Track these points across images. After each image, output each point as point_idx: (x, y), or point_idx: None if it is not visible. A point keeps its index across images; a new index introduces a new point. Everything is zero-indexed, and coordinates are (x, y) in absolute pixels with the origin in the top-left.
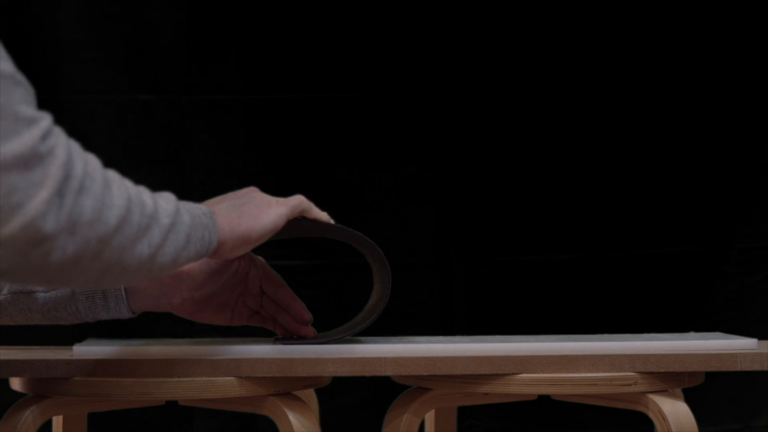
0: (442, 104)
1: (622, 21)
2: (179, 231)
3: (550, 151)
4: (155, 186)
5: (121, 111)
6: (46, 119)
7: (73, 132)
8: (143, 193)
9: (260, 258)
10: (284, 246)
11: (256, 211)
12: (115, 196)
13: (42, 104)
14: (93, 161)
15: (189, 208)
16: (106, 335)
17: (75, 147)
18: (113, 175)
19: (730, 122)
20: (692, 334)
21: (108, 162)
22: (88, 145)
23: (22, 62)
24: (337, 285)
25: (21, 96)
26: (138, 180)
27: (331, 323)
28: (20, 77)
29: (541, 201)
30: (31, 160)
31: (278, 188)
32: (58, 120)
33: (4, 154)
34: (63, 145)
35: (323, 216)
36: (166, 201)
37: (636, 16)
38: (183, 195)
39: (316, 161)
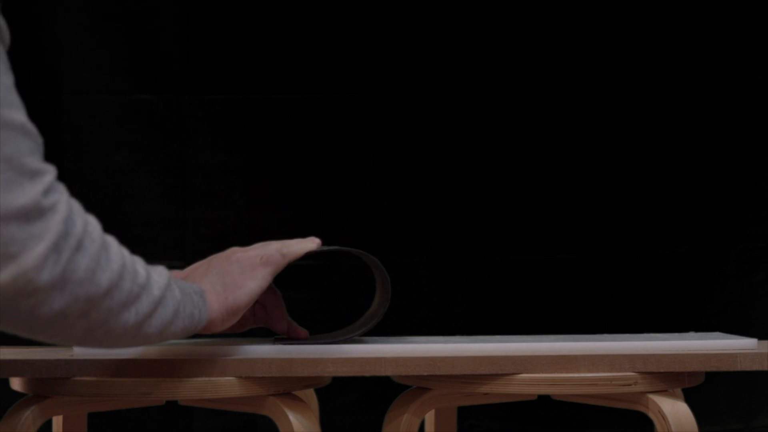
0: (442, 104)
1: (621, 21)
2: (168, 305)
3: (550, 151)
4: (155, 186)
5: (121, 111)
6: (50, 173)
7: (73, 132)
8: (138, 263)
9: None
10: None
11: (240, 280)
12: (110, 260)
13: (42, 104)
14: (93, 223)
15: (181, 285)
16: None
17: (76, 206)
18: (112, 240)
19: (730, 122)
20: (692, 334)
21: (108, 162)
22: (89, 145)
23: (22, 62)
24: (337, 285)
25: (28, 148)
26: (138, 180)
27: (331, 323)
28: (30, 128)
29: (541, 201)
30: (32, 213)
31: (278, 188)
32: (59, 120)
33: (6, 206)
34: (65, 201)
35: (310, 246)
36: (159, 275)
37: (636, 16)
38: (183, 195)
39: (316, 161)
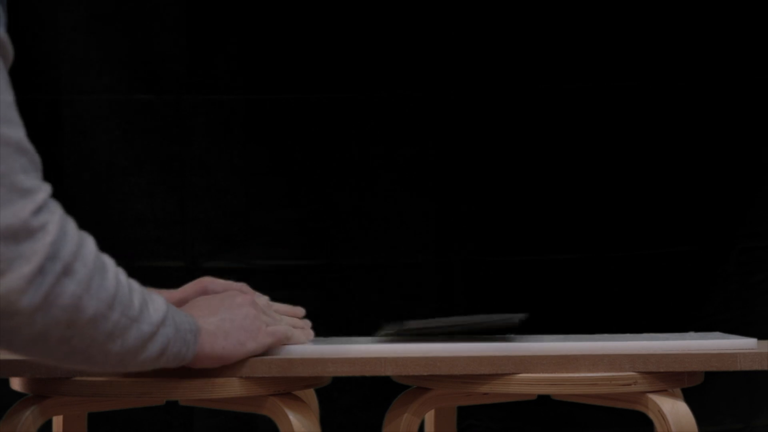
0: (443, 104)
1: (621, 21)
2: (157, 342)
3: (550, 151)
4: (155, 186)
5: (121, 111)
6: (42, 192)
7: (73, 132)
8: (135, 292)
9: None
10: (284, 246)
11: (243, 337)
12: (102, 287)
13: (42, 104)
14: (89, 245)
15: (178, 320)
16: None
17: (71, 226)
18: (110, 264)
19: (730, 122)
20: (692, 334)
21: (108, 162)
22: (88, 145)
23: (22, 62)
24: (337, 285)
25: (22, 166)
26: (138, 180)
27: (331, 323)
28: (27, 146)
29: (541, 201)
30: (20, 233)
31: (278, 188)
32: (59, 120)
33: None
34: (56, 222)
35: (302, 339)
36: (155, 309)
37: (635, 16)
38: (183, 195)
39: (316, 161)
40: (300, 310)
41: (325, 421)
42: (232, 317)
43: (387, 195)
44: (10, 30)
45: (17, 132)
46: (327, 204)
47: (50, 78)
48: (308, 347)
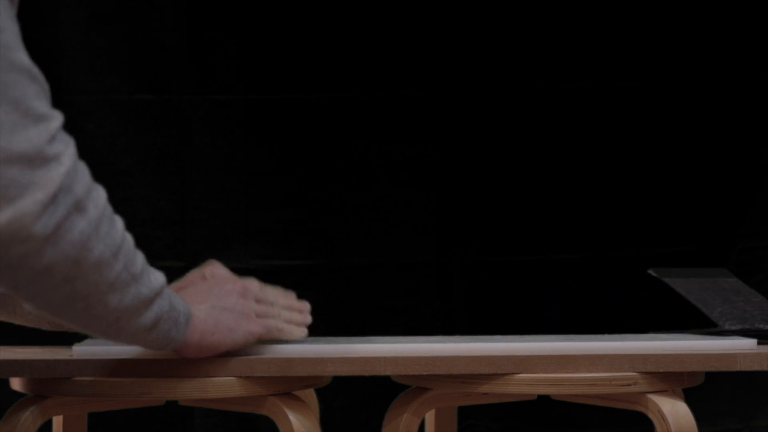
0: (443, 104)
1: (621, 21)
2: (152, 310)
3: (551, 151)
4: (155, 186)
5: (121, 111)
6: (56, 120)
7: (73, 132)
8: (138, 254)
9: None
10: (284, 246)
11: (233, 324)
12: (110, 234)
13: None
14: (100, 191)
15: (173, 300)
16: None
17: (82, 167)
18: (119, 220)
19: (730, 122)
20: (692, 334)
21: (108, 162)
22: (88, 146)
23: None
24: (337, 285)
25: (35, 91)
26: (138, 180)
27: (331, 323)
28: (37, 73)
29: (541, 201)
30: (34, 160)
31: (279, 188)
32: None
33: (9, 148)
34: (70, 155)
35: (299, 335)
36: (156, 278)
37: (635, 16)
38: (183, 194)
39: (316, 161)
40: (304, 305)
41: (325, 421)
42: (221, 305)
43: (387, 195)
44: None
45: (28, 60)
46: (327, 204)
47: (50, 78)
48: (308, 347)
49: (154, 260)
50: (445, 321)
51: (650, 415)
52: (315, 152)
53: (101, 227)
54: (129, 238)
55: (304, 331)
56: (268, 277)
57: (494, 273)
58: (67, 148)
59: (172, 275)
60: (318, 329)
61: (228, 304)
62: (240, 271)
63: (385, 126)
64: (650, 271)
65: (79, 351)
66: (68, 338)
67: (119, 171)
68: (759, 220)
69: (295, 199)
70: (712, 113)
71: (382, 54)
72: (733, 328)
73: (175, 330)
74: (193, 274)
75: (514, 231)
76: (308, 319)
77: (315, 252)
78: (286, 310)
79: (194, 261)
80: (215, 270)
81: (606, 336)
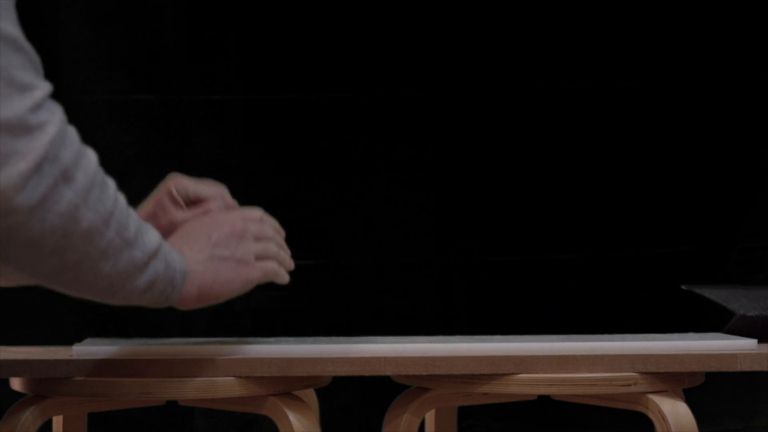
0: (443, 104)
1: (622, 21)
2: (146, 273)
3: (551, 151)
4: (155, 186)
5: (121, 111)
6: (41, 89)
7: None
8: (132, 217)
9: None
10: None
11: (232, 274)
12: (100, 201)
13: None
14: (90, 156)
15: (168, 258)
16: (106, 335)
17: (72, 133)
18: (110, 182)
19: (730, 122)
20: (692, 334)
21: (108, 162)
22: (88, 145)
23: None
24: (337, 285)
25: (20, 62)
26: (138, 180)
27: (331, 323)
28: (23, 43)
29: (541, 201)
30: (16, 129)
31: (278, 188)
32: None
33: None
34: (56, 123)
35: (285, 277)
36: (150, 240)
37: (635, 16)
38: None
39: (316, 161)
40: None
41: (325, 421)
42: (220, 255)
43: (387, 195)
44: None
45: (16, 30)
46: (327, 204)
47: (50, 78)
48: (308, 347)
49: None
50: (445, 321)
51: (650, 415)
52: (315, 152)
53: (91, 195)
54: (121, 201)
55: (287, 278)
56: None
57: (494, 273)
58: (53, 116)
59: None
60: (318, 329)
61: (226, 253)
62: None
63: (385, 126)
64: (683, 287)
65: (79, 351)
66: (68, 338)
67: (119, 171)
68: (759, 220)
69: (295, 199)
70: (712, 113)
71: (382, 54)
72: (751, 313)
73: (170, 288)
74: (160, 193)
75: (514, 231)
76: (292, 264)
77: (315, 252)
78: (281, 250)
79: None
80: (182, 184)
81: (606, 336)
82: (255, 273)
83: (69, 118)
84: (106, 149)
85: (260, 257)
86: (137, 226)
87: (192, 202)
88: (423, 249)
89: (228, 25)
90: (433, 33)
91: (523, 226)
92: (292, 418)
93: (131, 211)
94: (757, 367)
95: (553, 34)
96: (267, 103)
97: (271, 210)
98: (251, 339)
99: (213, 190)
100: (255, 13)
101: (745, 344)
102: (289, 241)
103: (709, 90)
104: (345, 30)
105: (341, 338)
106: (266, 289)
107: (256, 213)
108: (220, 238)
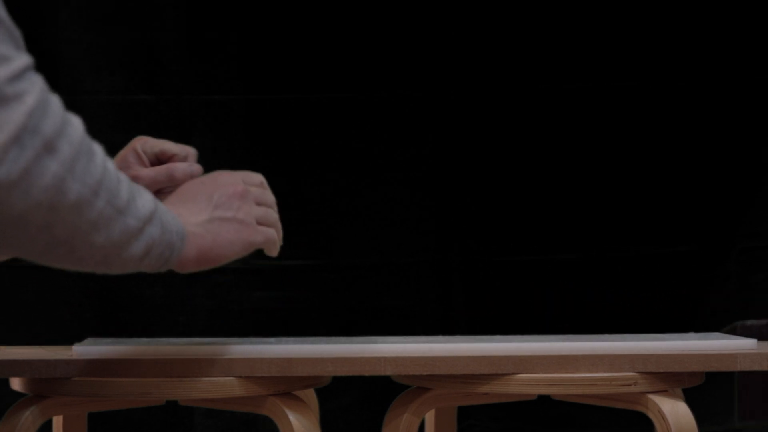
0: (443, 104)
1: (622, 21)
2: (142, 240)
3: (551, 150)
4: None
5: (121, 111)
6: (20, 60)
7: None
8: (123, 183)
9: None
10: (284, 246)
11: (233, 236)
12: (88, 171)
13: None
14: (76, 124)
15: (165, 220)
16: (106, 335)
17: (55, 102)
18: (98, 148)
19: (730, 122)
20: (692, 334)
21: None
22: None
23: None
24: (337, 285)
25: None
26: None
27: (331, 323)
28: (4, 17)
29: (541, 201)
30: None
31: (278, 188)
32: None
33: None
34: (36, 93)
35: (276, 247)
36: (143, 204)
37: (635, 16)
38: None
39: (316, 161)
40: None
41: (325, 421)
42: (221, 216)
43: (387, 195)
44: None
45: None
46: (327, 204)
47: (50, 78)
48: (308, 347)
49: None
50: (444, 321)
51: (650, 415)
52: (315, 152)
53: (77, 165)
54: (111, 168)
55: (278, 251)
56: (268, 277)
57: (494, 273)
58: (32, 86)
59: (172, 275)
60: (318, 329)
61: (227, 214)
62: (240, 271)
63: (385, 126)
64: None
65: (79, 351)
66: (68, 338)
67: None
68: (759, 220)
69: (295, 199)
70: (712, 113)
71: (382, 54)
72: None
73: (169, 252)
74: (125, 151)
75: (513, 231)
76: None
77: (315, 252)
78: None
79: None
80: (147, 144)
81: (606, 336)
82: (257, 236)
83: None
84: (106, 149)
85: (261, 222)
86: (129, 193)
87: (159, 161)
88: (422, 249)
89: (228, 25)
90: (433, 33)
91: (522, 225)
92: (292, 418)
93: (122, 176)
94: (756, 367)
95: (553, 34)
96: (267, 103)
97: None
98: (251, 339)
99: (179, 147)
100: (255, 13)
101: (745, 344)
102: (289, 241)
103: (709, 90)
104: (345, 30)
105: (341, 338)
106: (266, 289)
107: (257, 177)
108: (221, 199)
